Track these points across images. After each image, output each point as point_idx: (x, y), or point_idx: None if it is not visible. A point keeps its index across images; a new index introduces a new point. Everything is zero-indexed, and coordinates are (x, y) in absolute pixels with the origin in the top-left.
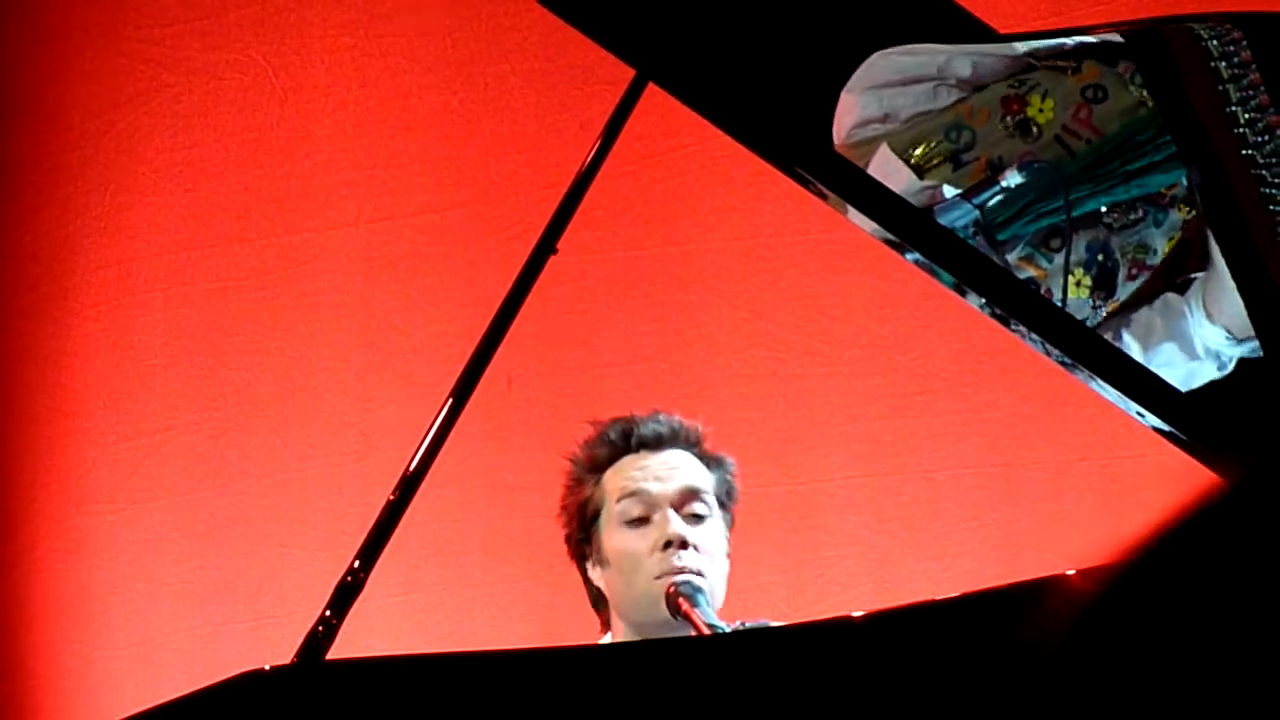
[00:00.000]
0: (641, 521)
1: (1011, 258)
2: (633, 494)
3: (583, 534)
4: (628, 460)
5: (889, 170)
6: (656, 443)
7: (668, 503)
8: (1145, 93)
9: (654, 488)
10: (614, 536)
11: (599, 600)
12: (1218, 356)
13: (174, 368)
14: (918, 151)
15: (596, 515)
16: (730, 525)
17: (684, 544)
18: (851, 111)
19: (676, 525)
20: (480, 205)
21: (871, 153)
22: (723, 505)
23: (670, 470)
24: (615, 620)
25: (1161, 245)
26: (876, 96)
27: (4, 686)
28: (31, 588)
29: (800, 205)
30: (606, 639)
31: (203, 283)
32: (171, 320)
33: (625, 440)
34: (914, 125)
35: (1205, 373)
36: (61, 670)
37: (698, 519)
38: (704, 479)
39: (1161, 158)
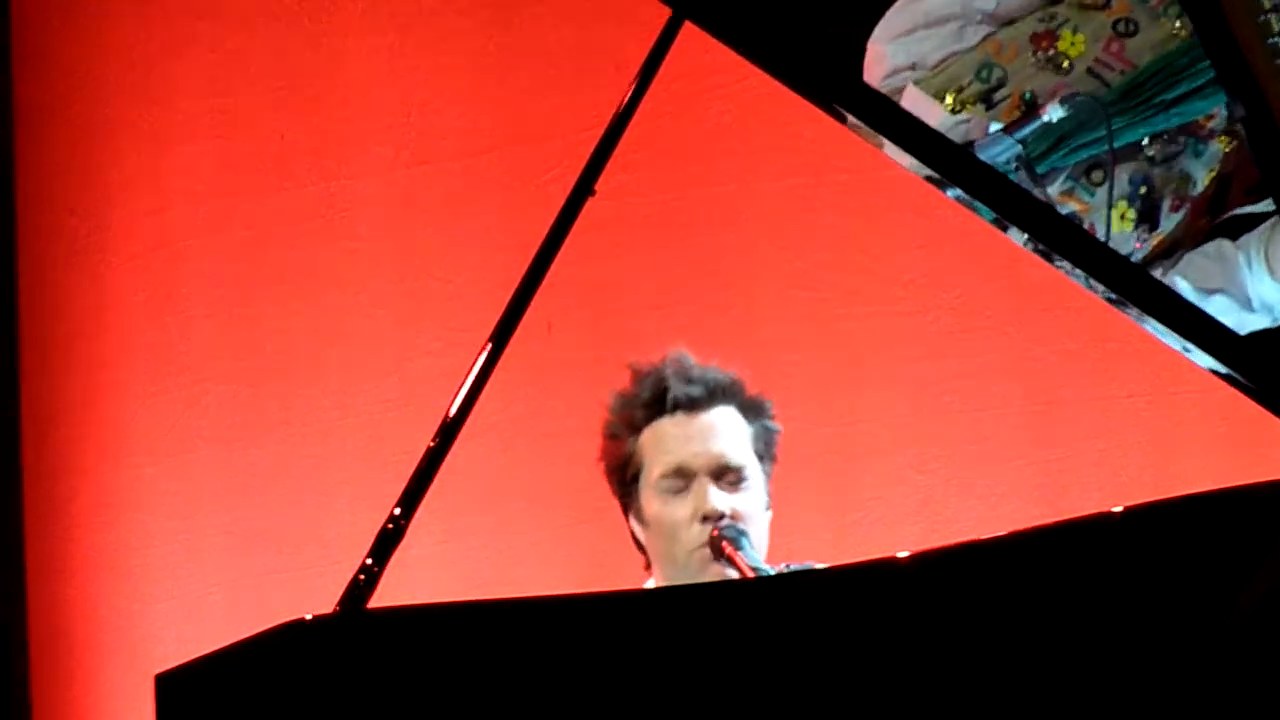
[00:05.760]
0: (681, 491)
1: (1053, 191)
2: (672, 469)
3: (623, 489)
4: (665, 424)
5: (921, 110)
6: (692, 405)
7: (706, 473)
8: (1178, 24)
9: (690, 457)
10: (653, 502)
11: (639, 545)
12: (1271, 310)
13: (212, 318)
14: (949, 99)
15: (636, 476)
16: (771, 471)
17: (720, 517)
18: (880, 62)
19: (715, 499)
20: (517, 148)
21: (899, 97)
22: (762, 456)
23: (708, 437)
24: (655, 570)
25: (1202, 176)
26: (903, 45)
27: (45, 641)
28: (71, 541)
29: (840, 144)
30: (649, 584)
31: (240, 231)
32: (209, 270)
33: (659, 402)
34: (943, 69)
35: (1256, 323)
36: (102, 624)
37: (736, 485)
38: (742, 443)
39: (1200, 84)
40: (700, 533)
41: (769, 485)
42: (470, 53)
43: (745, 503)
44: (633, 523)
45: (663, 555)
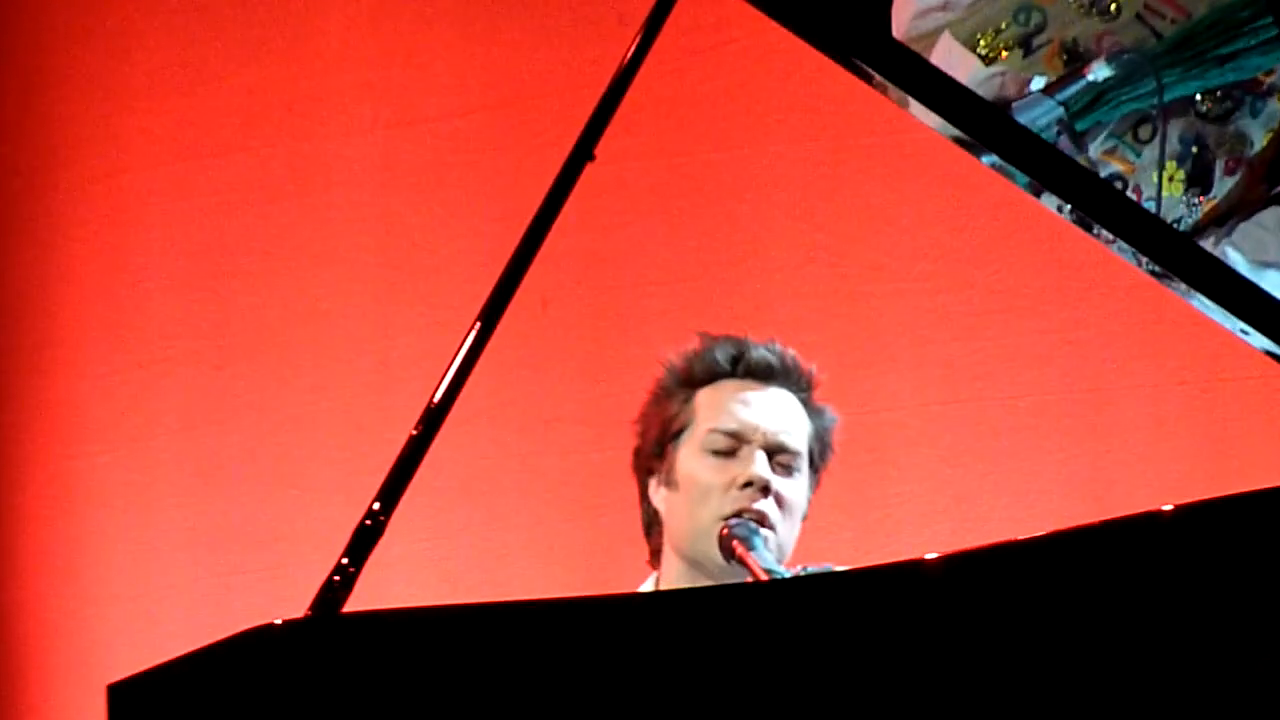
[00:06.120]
0: (727, 454)
1: (1094, 150)
2: (725, 428)
3: (656, 449)
4: (729, 385)
5: (953, 61)
6: (766, 374)
7: (760, 442)
8: None
9: (749, 425)
10: (691, 460)
11: (652, 524)
12: None
13: (173, 291)
14: (983, 40)
15: (679, 434)
16: (815, 487)
17: (766, 490)
18: (909, 2)
19: (762, 467)
20: (509, 108)
21: (933, 44)
22: (812, 465)
23: (772, 411)
24: (667, 551)
25: (1259, 136)
26: None
27: None
28: (18, 537)
29: (864, 104)
30: (651, 580)
31: (203, 197)
32: (169, 239)
33: (733, 362)
34: (977, 10)
35: None
36: (51, 628)
37: (787, 470)
38: (802, 432)
39: (1259, 41)
40: (735, 500)
41: (809, 501)
42: (458, 2)
43: (793, 491)
44: (652, 491)
45: (681, 523)
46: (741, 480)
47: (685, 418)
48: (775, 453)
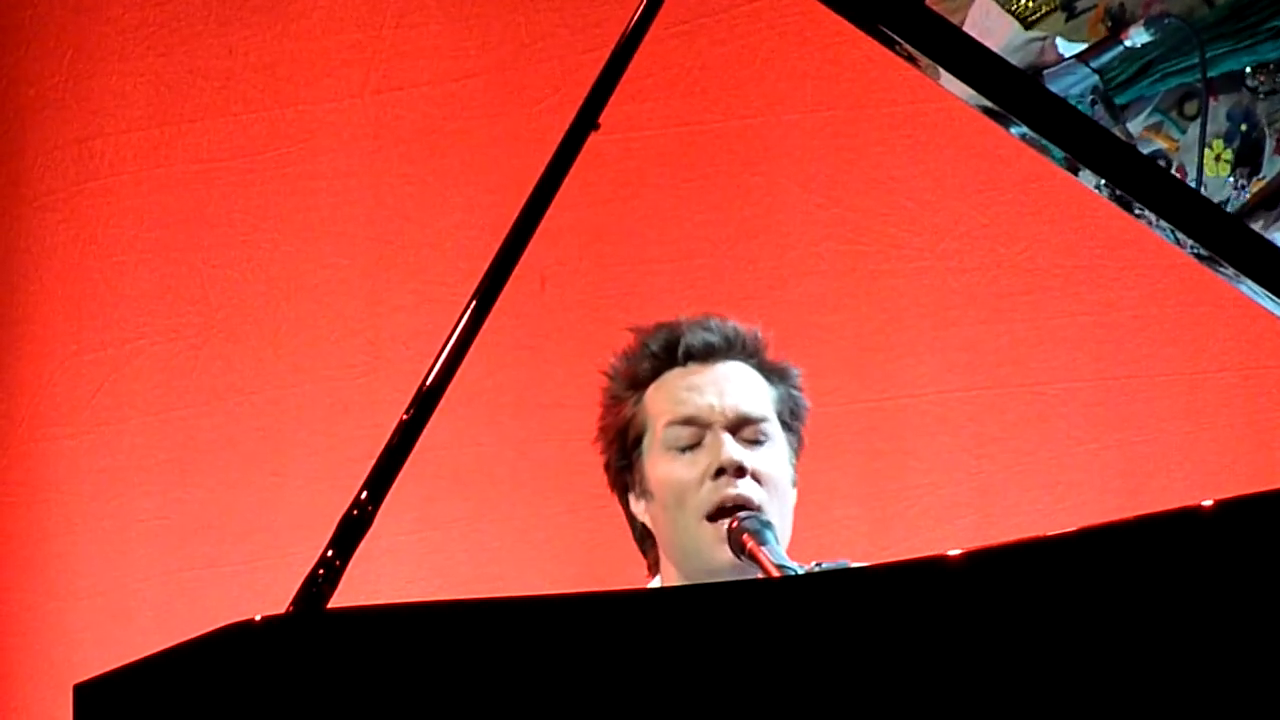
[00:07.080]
0: (691, 447)
1: (1135, 126)
2: (681, 418)
3: (624, 461)
4: (674, 375)
5: (989, 23)
6: (707, 354)
7: (721, 425)
8: None
9: (705, 408)
10: (659, 464)
11: (644, 537)
12: None
13: (147, 265)
14: (1023, 1)
15: (639, 440)
16: (798, 448)
17: (740, 471)
18: None
19: (731, 449)
20: (508, 73)
21: (968, 4)
22: (787, 426)
23: (724, 387)
24: (664, 562)
25: None
26: None
27: None
28: None
29: (885, 71)
30: (655, 584)
31: (180, 164)
32: (144, 209)
33: (670, 352)
34: None
35: None
36: (15, 624)
37: (756, 444)
38: (763, 399)
39: None
40: (713, 491)
41: (796, 464)
42: None
43: (768, 463)
44: (634, 504)
45: (668, 532)
46: (713, 469)
47: (640, 421)
48: (739, 428)
